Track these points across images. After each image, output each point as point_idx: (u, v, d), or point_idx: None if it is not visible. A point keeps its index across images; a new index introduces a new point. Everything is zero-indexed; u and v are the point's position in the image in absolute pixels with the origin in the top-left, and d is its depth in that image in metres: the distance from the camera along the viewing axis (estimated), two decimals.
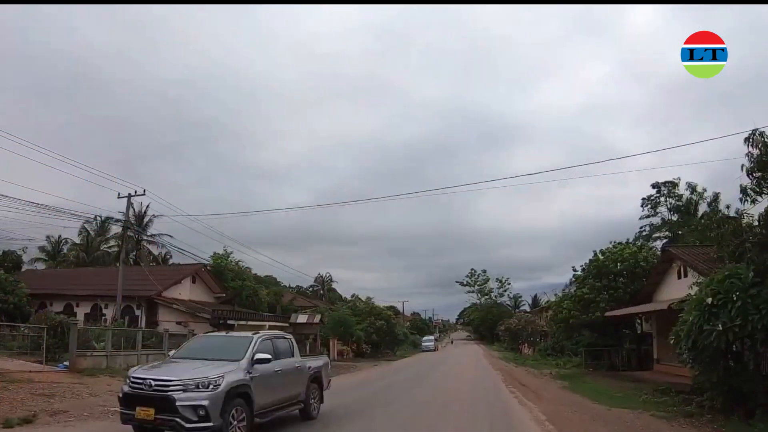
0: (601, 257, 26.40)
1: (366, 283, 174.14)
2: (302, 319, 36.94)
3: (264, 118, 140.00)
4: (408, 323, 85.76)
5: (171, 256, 42.55)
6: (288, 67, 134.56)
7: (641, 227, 43.36)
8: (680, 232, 37.72)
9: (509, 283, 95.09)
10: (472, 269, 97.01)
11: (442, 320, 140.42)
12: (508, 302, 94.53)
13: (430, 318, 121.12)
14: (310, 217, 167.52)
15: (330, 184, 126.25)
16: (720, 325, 9.93)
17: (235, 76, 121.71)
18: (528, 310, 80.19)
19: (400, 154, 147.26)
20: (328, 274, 77.38)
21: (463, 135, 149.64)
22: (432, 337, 72.73)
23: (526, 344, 48.44)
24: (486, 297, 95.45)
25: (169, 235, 39.69)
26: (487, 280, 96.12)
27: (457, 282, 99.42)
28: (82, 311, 28.39)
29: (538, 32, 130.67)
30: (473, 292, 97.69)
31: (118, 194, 24.73)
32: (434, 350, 61.97)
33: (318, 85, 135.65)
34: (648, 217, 42.96)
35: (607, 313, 23.53)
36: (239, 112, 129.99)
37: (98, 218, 36.37)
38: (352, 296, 70.04)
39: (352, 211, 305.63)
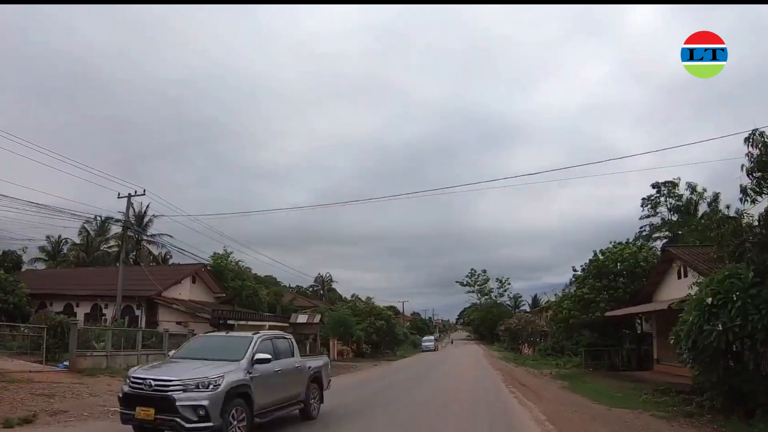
0: (601, 257, 26.40)
1: (366, 283, 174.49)
2: (302, 319, 36.93)
3: (264, 118, 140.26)
4: (408, 323, 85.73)
5: (171, 256, 42.66)
6: (288, 67, 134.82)
7: (641, 227, 43.48)
8: (680, 232, 37.71)
9: (509, 283, 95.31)
10: (472, 269, 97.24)
11: (442, 320, 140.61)
12: (508, 302, 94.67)
13: (430, 318, 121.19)
14: (310, 217, 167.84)
15: (330, 184, 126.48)
16: (720, 325, 9.93)
17: (235, 76, 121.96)
18: (528, 310, 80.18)
19: (400, 154, 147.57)
20: (328, 274, 77.52)
21: (463, 135, 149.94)
22: (432, 337, 72.70)
23: (526, 344, 48.43)
24: (486, 297, 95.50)
25: (169, 235, 39.77)
26: (487, 280, 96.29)
27: (457, 282, 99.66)
28: (82, 311, 28.39)
29: (538, 32, 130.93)
30: (473, 292, 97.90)
31: (118, 194, 24.78)
32: (434, 350, 61.93)
33: (318, 85, 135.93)
34: (648, 217, 43.06)
35: (607, 313, 23.53)
36: (239, 112, 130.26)
37: (98, 218, 36.45)
38: (352, 296, 70.12)
39: (352, 211, 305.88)
